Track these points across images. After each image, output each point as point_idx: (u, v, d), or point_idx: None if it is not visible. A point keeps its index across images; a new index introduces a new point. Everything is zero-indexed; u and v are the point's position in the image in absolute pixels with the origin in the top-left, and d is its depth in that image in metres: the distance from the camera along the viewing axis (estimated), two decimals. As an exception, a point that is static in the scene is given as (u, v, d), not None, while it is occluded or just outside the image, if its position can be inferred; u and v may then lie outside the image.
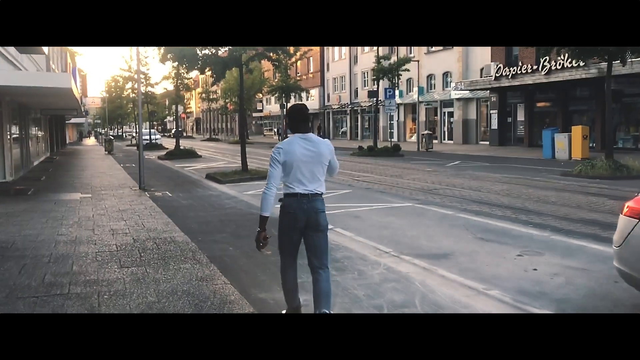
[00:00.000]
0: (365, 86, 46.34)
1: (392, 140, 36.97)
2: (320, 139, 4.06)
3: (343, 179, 15.65)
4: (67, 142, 58.34)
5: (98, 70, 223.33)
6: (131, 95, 41.28)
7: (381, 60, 26.56)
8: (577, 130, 20.95)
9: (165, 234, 7.93)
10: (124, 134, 72.57)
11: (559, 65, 23.28)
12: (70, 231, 8.14)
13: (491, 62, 29.36)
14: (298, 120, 4.04)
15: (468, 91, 31.94)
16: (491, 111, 31.02)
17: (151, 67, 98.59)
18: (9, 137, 15.23)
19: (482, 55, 31.67)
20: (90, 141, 68.73)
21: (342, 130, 51.77)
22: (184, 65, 17.60)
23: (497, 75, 27.46)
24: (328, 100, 52.93)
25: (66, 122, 46.01)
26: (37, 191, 13.23)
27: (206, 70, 16.35)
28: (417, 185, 13.79)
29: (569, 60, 21.84)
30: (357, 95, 47.80)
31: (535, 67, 24.90)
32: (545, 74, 24.23)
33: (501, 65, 27.45)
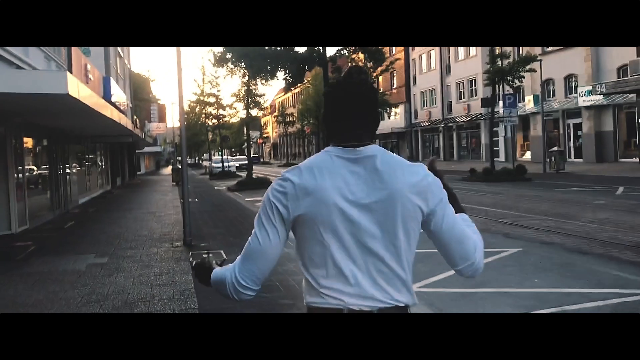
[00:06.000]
0: (461, 99, 40.57)
1: (497, 160, 31.02)
2: (405, 161, 1.58)
3: (486, 223, 10.31)
4: (143, 171, 56.92)
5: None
6: (206, 123, 38.78)
7: (497, 60, 21.07)
8: None
9: None
10: (200, 162, 71.65)
11: None
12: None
13: (637, 57, 22.98)
14: (340, 112, 1.60)
15: (601, 97, 25.49)
16: (639, 120, 24.35)
17: (222, 89, 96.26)
18: (15, 176, 11.20)
19: (617, 52, 25.25)
20: (168, 170, 67.37)
21: (433, 148, 45.98)
22: (244, 68, 13.09)
23: (654, 71, 21.07)
24: (415, 117, 47.44)
25: (137, 151, 43.65)
26: (36, 252, 8.97)
27: (277, 73, 11.72)
28: (619, 235, 8.23)
29: None
30: (450, 110, 42.05)
31: None
32: None
33: (660, 59, 21.01)
